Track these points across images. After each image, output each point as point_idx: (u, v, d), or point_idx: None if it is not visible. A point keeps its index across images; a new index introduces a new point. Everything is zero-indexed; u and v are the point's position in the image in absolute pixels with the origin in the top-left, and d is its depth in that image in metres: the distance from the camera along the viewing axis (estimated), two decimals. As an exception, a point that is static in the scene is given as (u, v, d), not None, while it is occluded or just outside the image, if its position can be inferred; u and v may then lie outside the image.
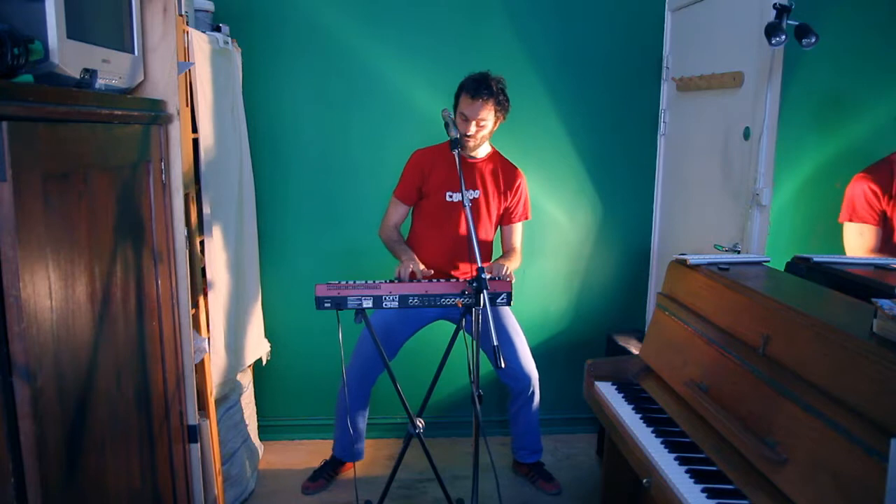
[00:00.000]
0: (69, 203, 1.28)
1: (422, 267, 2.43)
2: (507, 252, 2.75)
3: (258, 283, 2.91)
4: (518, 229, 2.76)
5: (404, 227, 2.78)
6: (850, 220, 2.57)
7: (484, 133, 2.56)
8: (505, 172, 2.69)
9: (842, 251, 2.63)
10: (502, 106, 2.55)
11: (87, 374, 1.35)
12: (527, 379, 2.70)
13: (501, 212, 2.72)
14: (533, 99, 3.10)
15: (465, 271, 2.70)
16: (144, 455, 1.64)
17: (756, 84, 2.32)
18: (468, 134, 2.52)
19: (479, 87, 2.48)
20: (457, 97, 2.57)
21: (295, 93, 3.01)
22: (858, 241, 2.56)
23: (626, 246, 3.28)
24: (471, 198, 2.63)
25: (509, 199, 2.70)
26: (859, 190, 2.54)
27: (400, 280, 2.33)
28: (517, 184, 2.70)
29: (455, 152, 2.21)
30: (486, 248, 2.72)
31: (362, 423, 2.81)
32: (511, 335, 2.68)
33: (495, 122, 2.58)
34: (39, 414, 1.14)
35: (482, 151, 2.67)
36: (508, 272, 2.43)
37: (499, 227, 2.78)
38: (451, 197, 2.64)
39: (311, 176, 3.08)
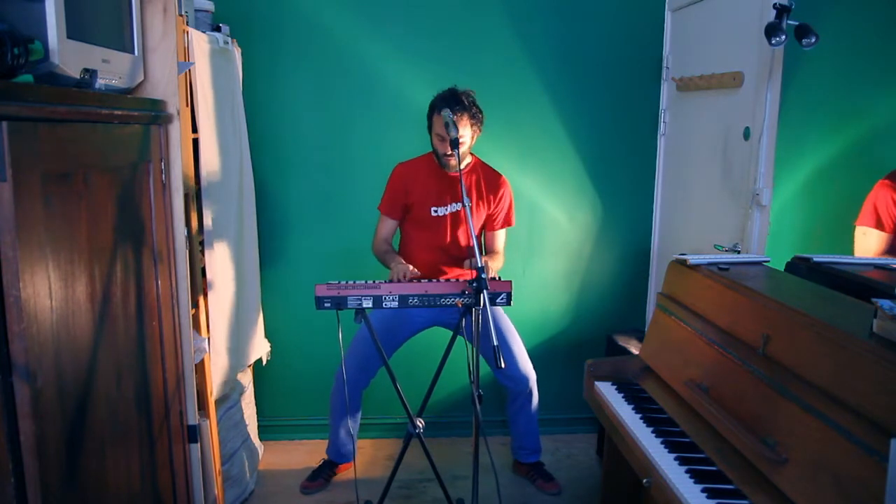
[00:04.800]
0: (69, 203, 1.28)
1: (411, 268, 2.39)
2: (489, 255, 2.75)
3: (258, 283, 2.91)
4: (500, 235, 2.75)
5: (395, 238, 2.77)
6: (863, 224, 2.56)
7: (464, 149, 2.53)
8: (488, 182, 2.69)
9: (841, 251, 2.63)
10: (477, 119, 2.53)
11: (87, 374, 1.35)
12: (524, 380, 2.70)
13: (484, 219, 2.72)
14: (533, 99, 3.10)
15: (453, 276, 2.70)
16: (144, 455, 1.64)
17: (756, 84, 2.32)
18: (448, 154, 2.50)
19: (451, 103, 2.46)
20: (429, 119, 2.56)
21: (295, 93, 3.01)
22: (865, 245, 2.55)
23: (626, 246, 3.28)
24: (454, 210, 2.64)
25: (492, 207, 2.70)
26: (880, 196, 2.53)
27: (399, 281, 2.32)
28: (500, 192, 2.70)
29: (455, 152, 2.23)
30: (472, 253, 2.71)
31: (354, 425, 2.80)
32: (507, 336, 2.68)
33: (472, 136, 2.56)
34: (39, 414, 1.14)
35: (463, 164, 2.65)
36: (490, 269, 2.44)
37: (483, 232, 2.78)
38: (435, 212, 2.64)
39: (311, 176, 3.09)
